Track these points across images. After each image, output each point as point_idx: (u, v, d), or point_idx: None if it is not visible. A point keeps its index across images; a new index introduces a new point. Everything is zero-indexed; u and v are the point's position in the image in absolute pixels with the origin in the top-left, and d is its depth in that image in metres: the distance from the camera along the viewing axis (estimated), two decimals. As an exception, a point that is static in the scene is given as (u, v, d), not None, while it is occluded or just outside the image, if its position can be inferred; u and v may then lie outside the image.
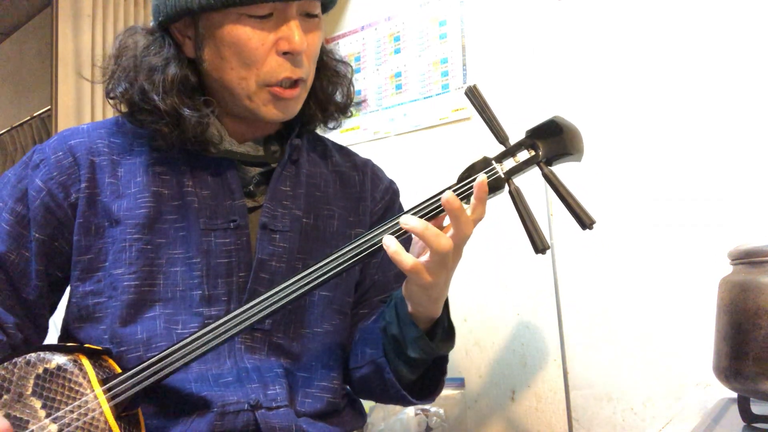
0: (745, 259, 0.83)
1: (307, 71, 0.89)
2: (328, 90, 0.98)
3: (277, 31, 0.84)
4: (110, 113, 2.56)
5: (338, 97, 0.99)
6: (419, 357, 0.85)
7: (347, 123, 1.10)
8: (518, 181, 0.81)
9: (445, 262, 0.77)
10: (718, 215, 1.15)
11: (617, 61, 1.31)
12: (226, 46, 0.85)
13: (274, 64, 0.85)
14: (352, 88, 1.02)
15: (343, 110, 1.01)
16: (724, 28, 1.18)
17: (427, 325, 0.85)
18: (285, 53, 0.85)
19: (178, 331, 0.84)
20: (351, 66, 1.03)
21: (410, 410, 1.34)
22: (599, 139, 1.31)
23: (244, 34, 0.83)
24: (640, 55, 1.27)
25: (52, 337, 0.93)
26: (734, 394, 0.85)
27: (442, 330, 0.86)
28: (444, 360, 0.92)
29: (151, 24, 0.91)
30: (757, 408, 0.84)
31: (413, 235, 0.78)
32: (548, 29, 1.41)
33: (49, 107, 2.74)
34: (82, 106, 2.48)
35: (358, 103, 1.06)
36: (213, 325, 0.78)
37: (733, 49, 1.17)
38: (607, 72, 1.32)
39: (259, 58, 0.84)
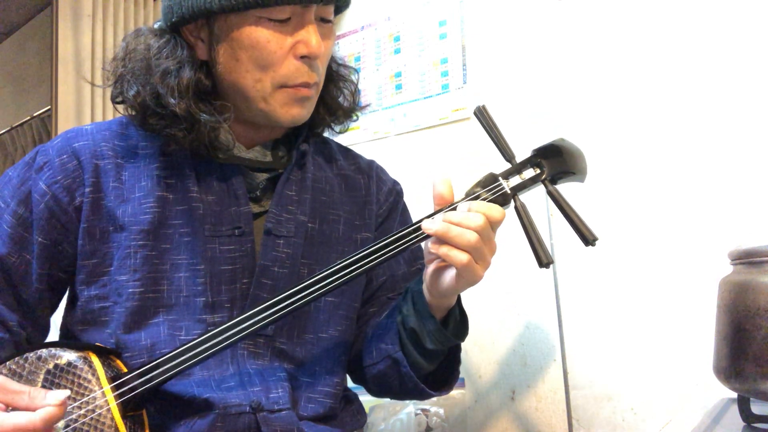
0: (745, 259, 0.83)
1: (321, 76, 0.90)
2: (336, 95, 0.98)
3: (295, 35, 0.84)
4: (110, 113, 2.56)
5: (343, 101, 0.99)
6: (436, 348, 0.87)
7: (347, 123, 1.10)
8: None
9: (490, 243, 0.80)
10: (718, 215, 1.15)
11: (617, 61, 1.31)
12: (242, 49, 0.84)
13: (291, 68, 0.85)
14: (357, 92, 1.02)
15: (349, 114, 1.01)
16: (724, 28, 1.18)
17: (442, 315, 0.87)
18: (302, 57, 0.85)
19: (181, 338, 0.84)
20: (356, 70, 1.03)
21: (410, 410, 1.34)
22: (599, 138, 1.31)
23: (263, 36, 0.83)
24: (640, 55, 1.27)
25: (51, 337, 0.93)
26: (734, 394, 0.84)
27: (455, 320, 0.88)
28: (458, 349, 0.95)
29: (156, 25, 0.90)
30: (757, 408, 0.84)
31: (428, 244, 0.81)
32: (548, 29, 1.41)
33: (49, 107, 2.74)
34: (82, 106, 2.48)
35: (363, 107, 1.07)
36: (217, 330, 0.77)
37: (733, 48, 1.17)
38: (607, 72, 1.32)
39: (276, 61, 0.84)
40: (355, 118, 1.03)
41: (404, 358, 0.89)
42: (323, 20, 0.87)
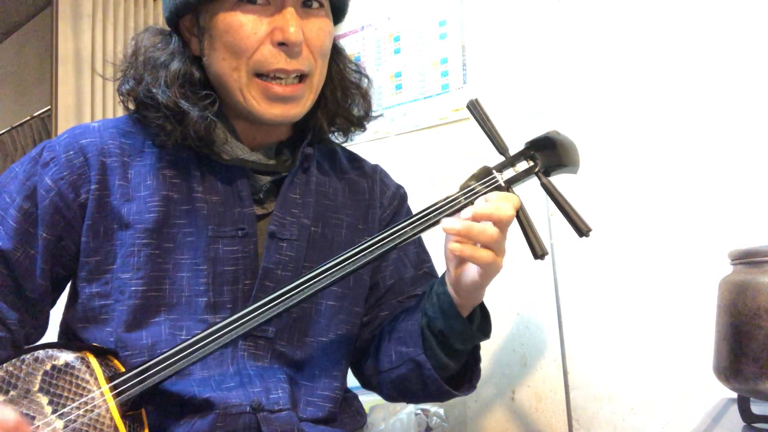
0: (745, 259, 0.83)
1: (309, 65, 0.86)
2: (340, 99, 0.96)
3: (273, 19, 0.83)
4: (110, 113, 2.56)
5: (355, 109, 0.97)
6: (463, 348, 0.88)
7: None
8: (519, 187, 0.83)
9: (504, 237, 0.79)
10: (718, 215, 1.15)
11: (617, 61, 1.31)
12: (218, 36, 0.84)
13: (266, 54, 0.83)
14: (370, 102, 0.99)
15: (357, 124, 0.99)
16: (724, 28, 1.18)
17: (467, 313, 0.87)
18: (280, 44, 0.83)
19: (182, 338, 0.84)
20: (370, 78, 1.00)
21: (410, 410, 1.34)
22: (599, 137, 1.31)
23: (237, 21, 0.82)
24: (640, 55, 1.27)
25: (49, 334, 0.93)
26: (734, 394, 0.84)
27: (477, 317, 0.88)
28: (477, 348, 0.95)
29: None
30: (757, 408, 0.84)
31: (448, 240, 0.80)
32: (548, 29, 1.41)
33: (49, 107, 2.75)
34: (82, 106, 2.48)
35: (376, 117, 1.03)
36: (217, 326, 0.77)
37: (733, 48, 1.17)
38: (607, 72, 1.32)
39: (249, 47, 0.83)
40: (364, 129, 1.01)
41: (427, 361, 0.88)
42: (306, 4, 0.85)
